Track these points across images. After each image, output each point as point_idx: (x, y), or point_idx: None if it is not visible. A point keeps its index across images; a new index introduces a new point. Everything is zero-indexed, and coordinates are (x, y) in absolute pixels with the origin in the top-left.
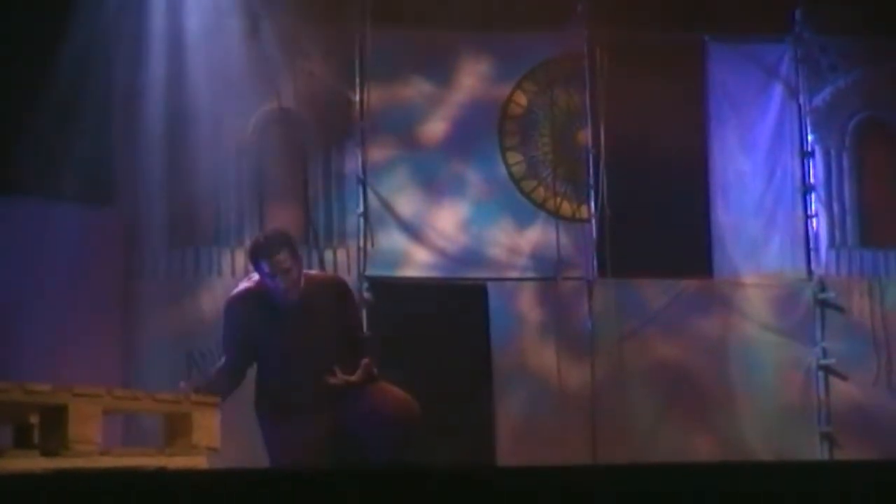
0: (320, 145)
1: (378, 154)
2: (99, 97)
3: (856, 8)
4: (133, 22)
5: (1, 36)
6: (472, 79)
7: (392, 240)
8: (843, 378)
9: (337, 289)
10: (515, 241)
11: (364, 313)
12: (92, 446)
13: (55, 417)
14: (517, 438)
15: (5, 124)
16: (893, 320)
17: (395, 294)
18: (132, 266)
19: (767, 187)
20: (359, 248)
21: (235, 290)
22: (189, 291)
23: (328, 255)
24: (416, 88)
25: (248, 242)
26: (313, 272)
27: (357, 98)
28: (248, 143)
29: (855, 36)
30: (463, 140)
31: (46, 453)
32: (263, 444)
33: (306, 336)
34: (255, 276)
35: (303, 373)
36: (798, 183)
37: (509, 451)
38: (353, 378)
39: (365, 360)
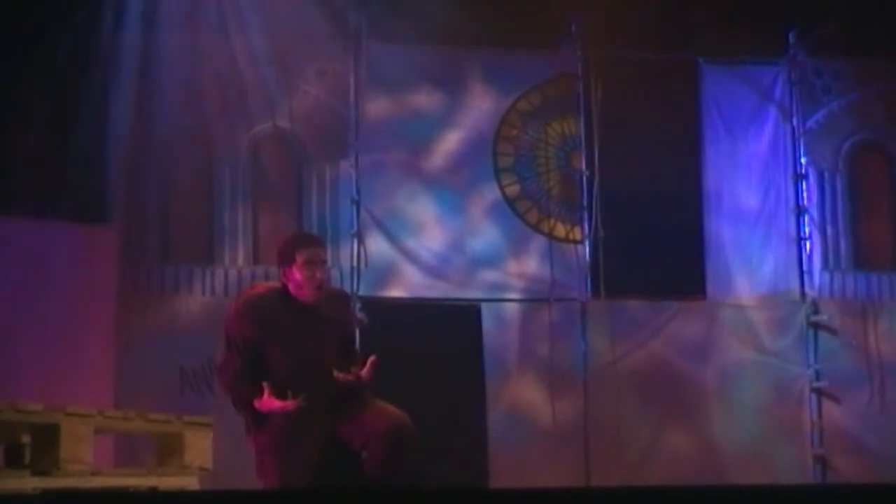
0: (315, 164)
1: (373, 173)
2: (94, 116)
3: (849, 31)
4: (127, 42)
5: None
6: (468, 99)
7: (385, 260)
8: (836, 400)
9: (343, 299)
10: (509, 263)
11: (357, 332)
12: (84, 466)
13: (47, 437)
14: (510, 459)
15: (2, 145)
16: (886, 343)
17: (388, 314)
18: (125, 283)
19: (761, 209)
20: (352, 268)
21: (253, 291)
22: (182, 308)
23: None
24: (411, 108)
25: (240, 261)
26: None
27: (352, 117)
28: (243, 162)
29: (849, 59)
30: (457, 160)
31: (38, 473)
32: (256, 464)
33: (320, 338)
34: (262, 284)
35: (313, 373)
36: (791, 205)
37: (502, 473)
38: (363, 373)
39: (372, 358)
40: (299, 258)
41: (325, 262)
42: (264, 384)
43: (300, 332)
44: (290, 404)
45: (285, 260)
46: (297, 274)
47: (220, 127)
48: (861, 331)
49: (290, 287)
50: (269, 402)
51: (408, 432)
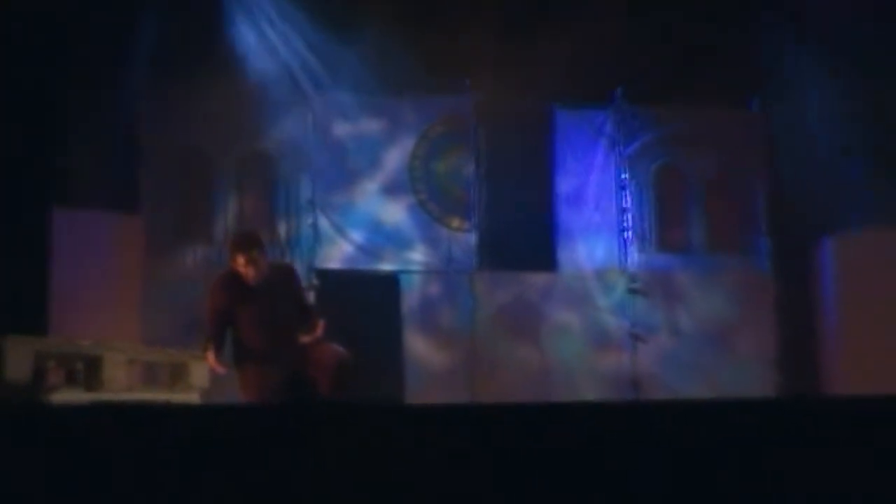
0: (284, 174)
1: (326, 181)
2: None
3: (656, 87)
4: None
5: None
6: (395, 129)
7: (333, 242)
8: (644, 341)
9: (289, 272)
10: (419, 245)
11: (313, 293)
12: (120, 384)
13: (94, 364)
14: (422, 385)
15: (52, 145)
16: (679, 302)
17: (335, 280)
18: (149, 257)
19: (596, 209)
20: (309, 249)
21: (216, 278)
22: (189, 275)
23: (288, 252)
24: (356, 136)
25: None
26: (272, 260)
27: (312, 142)
28: (234, 171)
29: (657, 106)
30: (386, 174)
31: (88, 389)
32: (239, 387)
33: (271, 306)
34: (228, 266)
35: (270, 333)
36: (616, 206)
37: (415, 394)
38: (318, 334)
39: (322, 321)
40: (237, 258)
41: (257, 259)
42: (208, 347)
43: (255, 303)
44: (217, 366)
45: (230, 256)
46: (237, 268)
47: (219, 146)
48: (662, 293)
49: (241, 272)
50: (209, 358)
51: (348, 364)
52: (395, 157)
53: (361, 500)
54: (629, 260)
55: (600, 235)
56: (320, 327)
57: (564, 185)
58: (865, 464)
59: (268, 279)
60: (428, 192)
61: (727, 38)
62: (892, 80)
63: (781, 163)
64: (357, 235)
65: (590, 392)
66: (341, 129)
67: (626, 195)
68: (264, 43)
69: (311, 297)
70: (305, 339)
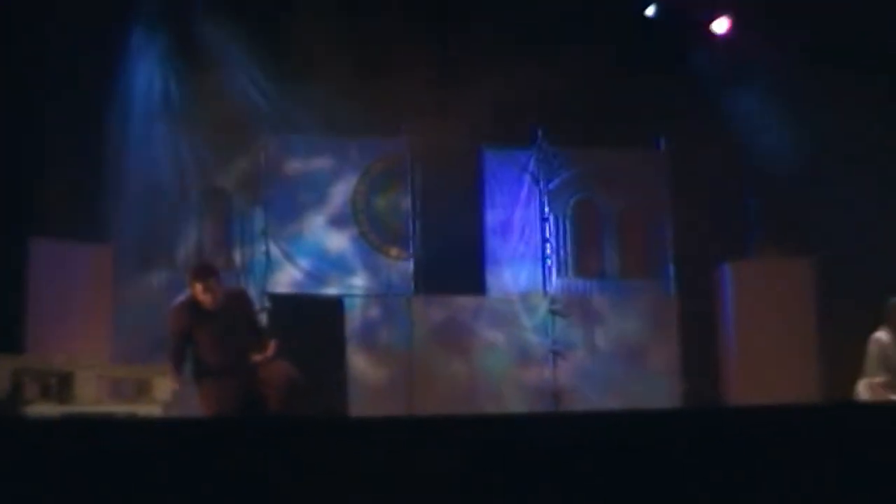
0: (240, 208)
1: (278, 213)
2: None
3: (574, 131)
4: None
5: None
6: (341, 165)
7: (283, 268)
8: (564, 357)
9: (242, 297)
10: (361, 272)
11: (266, 315)
12: (90, 398)
13: (67, 380)
14: (364, 399)
15: (30, 182)
16: (594, 322)
17: (284, 303)
18: (118, 284)
19: (521, 239)
20: (262, 275)
21: (175, 303)
22: (153, 298)
23: (243, 278)
24: (305, 172)
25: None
26: (227, 287)
27: (263, 177)
28: (196, 203)
29: (574, 147)
30: (332, 207)
31: (61, 402)
32: (198, 400)
33: (227, 328)
34: (187, 292)
35: (226, 352)
36: (539, 237)
37: (357, 407)
38: (269, 353)
39: (274, 341)
40: (196, 286)
41: (213, 287)
42: (169, 367)
43: (211, 325)
44: (173, 382)
45: (189, 284)
46: (196, 295)
47: (182, 182)
48: (580, 314)
49: (199, 298)
50: (171, 374)
51: (296, 381)
52: (340, 193)
53: None
54: (550, 284)
55: (524, 262)
56: (271, 347)
57: (492, 217)
58: (761, 467)
59: (223, 304)
60: (369, 224)
61: (636, 86)
62: (780, 130)
63: (685, 197)
64: (305, 263)
65: (515, 403)
66: (291, 167)
67: (547, 226)
68: (222, 91)
69: (263, 318)
70: (257, 358)
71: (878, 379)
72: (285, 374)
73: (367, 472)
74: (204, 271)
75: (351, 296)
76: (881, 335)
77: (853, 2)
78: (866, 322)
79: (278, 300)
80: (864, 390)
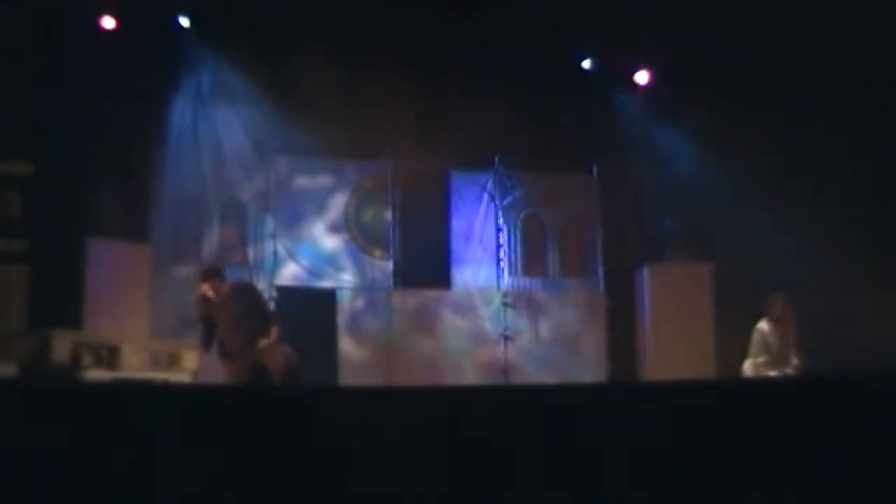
0: (254, 215)
1: (284, 220)
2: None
3: (524, 158)
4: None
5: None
6: (336, 182)
7: (287, 265)
8: (513, 340)
9: (249, 289)
10: (349, 269)
11: (273, 304)
12: (133, 366)
13: (115, 351)
14: (351, 373)
15: (87, 192)
16: (539, 312)
17: (289, 294)
18: (156, 272)
19: (480, 244)
20: (270, 270)
21: (195, 296)
22: (185, 287)
23: (255, 272)
24: (307, 188)
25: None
26: (236, 280)
27: (272, 192)
28: (217, 214)
29: (524, 171)
30: (329, 216)
31: (110, 369)
32: (221, 375)
33: (239, 316)
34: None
35: (238, 337)
36: (495, 243)
37: (346, 380)
38: (272, 339)
39: (276, 329)
40: (202, 285)
41: (217, 285)
42: (198, 346)
43: (225, 314)
44: (199, 357)
45: (198, 283)
46: (204, 292)
47: (207, 195)
48: (526, 306)
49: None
50: (200, 351)
51: (295, 362)
52: (336, 205)
53: (305, 462)
54: (503, 282)
55: (482, 264)
56: (274, 333)
57: (457, 226)
58: (676, 434)
59: (230, 296)
60: (358, 230)
61: (575, 123)
62: (689, 160)
63: (612, 213)
64: (305, 261)
65: (472, 377)
66: (296, 184)
67: (501, 235)
68: (241, 121)
69: (272, 306)
70: (263, 342)
71: (760, 359)
72: (285, 357)
73: (352, 428)
74: (207, 273)
75: (342, 288)
76: (763, 325)
77: (750, 63)
78: (751, 314)
79: (283, 291)
80: (749, 368)
